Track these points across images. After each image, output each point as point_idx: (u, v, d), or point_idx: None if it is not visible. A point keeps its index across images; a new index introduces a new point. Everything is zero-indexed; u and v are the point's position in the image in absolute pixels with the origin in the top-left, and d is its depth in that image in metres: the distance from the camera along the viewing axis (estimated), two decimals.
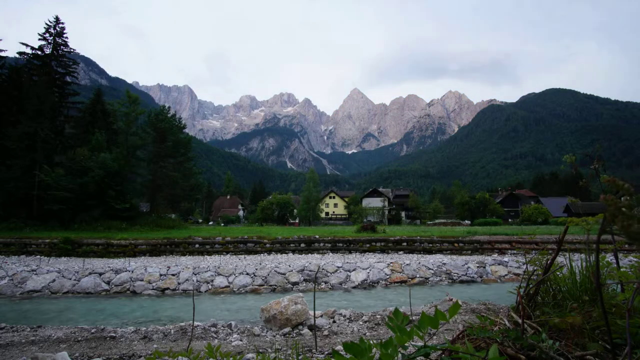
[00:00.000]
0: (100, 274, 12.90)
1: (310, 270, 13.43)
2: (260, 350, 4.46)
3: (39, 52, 36.46)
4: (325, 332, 5.30)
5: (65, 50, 37.78)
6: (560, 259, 2.30)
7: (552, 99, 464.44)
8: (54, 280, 12.45)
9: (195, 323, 5.93)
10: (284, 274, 13.18)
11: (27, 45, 36.40)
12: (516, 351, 1.47)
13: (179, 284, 12.41)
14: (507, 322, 1.91)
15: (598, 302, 1.69)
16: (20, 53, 36.50)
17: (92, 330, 5.86)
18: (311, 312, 5.95)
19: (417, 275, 13.67)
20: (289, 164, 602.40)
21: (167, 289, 12.11)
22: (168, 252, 20.23)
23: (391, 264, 14.44)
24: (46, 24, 36.66)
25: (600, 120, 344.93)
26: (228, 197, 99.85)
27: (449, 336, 4.15)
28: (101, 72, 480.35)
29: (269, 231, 28.61)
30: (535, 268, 2.31)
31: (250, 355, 3.99)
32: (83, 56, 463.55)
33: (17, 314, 9.36)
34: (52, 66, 36.85)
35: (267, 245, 20.71)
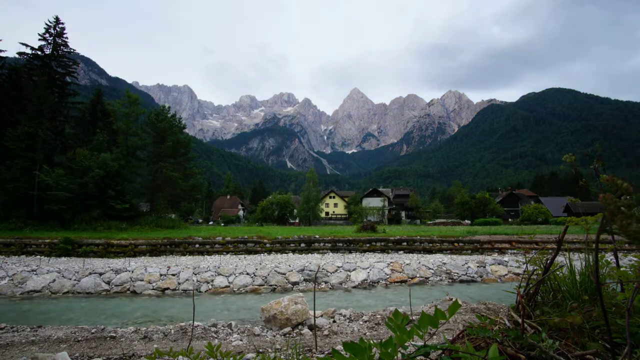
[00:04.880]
0: (101, 274, 12.90)
1: (310, 270, 13.43)
2: (261, 350, 4.46)
3: (39, 53, 36.44)
4: (326, 332, 5.30)
5: (65, 50, 37.76)
6: (560, 258, 2.30)
7: (552, 98, 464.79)
8: (54, 280, 12.45)
9: (196, 323, 5.94)
10: (284, 273, 13.19)
11: (26, 46, 36.40)
12: (516, 351, 1.47)
13: (179, 284, 12.41)
14: (507, 322, 1.91)
15: (598, 302, 1.69)
16: (20, 53, 36.48)
17: (93, 330, 5.86)
18: (311, 312, 5.95)
19: (417, 275, 13.67)
20: (289, 164, 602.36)
21: (167, 289, 12.11)
22: (168, 252, 20.22)
23: (391, 264, 14.44)
24: (46, 24, 36.67)
25: (600, 119, 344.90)
26: (228, 197, 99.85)
27: (449, 336, 4.15)
28: (101, 72, 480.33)
29: (269, 231, 28.59)
30: (535, 268, 2.31)
31: (250, 355, 3.99)
32: (83, 56, 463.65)
33: (17, 314, 9.36)
34: (52, 66, 36.83)
35: (267, 245, 20.71)
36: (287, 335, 5.30)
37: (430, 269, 14.29)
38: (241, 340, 5.08)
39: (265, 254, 19.90)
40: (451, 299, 6.74)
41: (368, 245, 20.88)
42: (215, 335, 5.38)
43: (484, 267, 14.59)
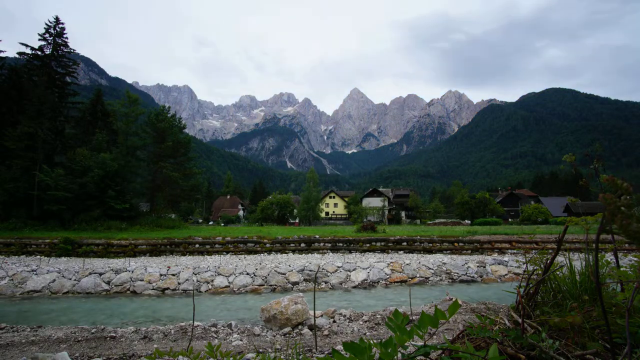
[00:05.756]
0: (101, 274, 12.90)
1: (310, 270, 13.43)
2: (261, 350, 4.46)
3: (39, 53, 36.44)
4: (326, 332, 5.30)
5: (65, 50, 37.77)
6: (560, 258, 2.30)
7: (552, 98, 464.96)
8: (54, 281, 12.45)
9: (196, 323, 5.94)
10: (284, 273, 13.19)
11: (27, 46, 36.40)
12: (516, 350, 1.47)
13: (179, 284, 12.41)
14: (507, 322, 1.91)
15: (598, 302, 1.69)
16: (20, 53, 36.48)
17: (93, 330, 5.86)
18: (311, 312, 5.95)
19: (417, 275, 13.67)
20: (289, 164, 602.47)
21: (167, 289, 12.11)
22: (168, 252, 20.22)
23: (391, 264, 14.44)
24: (46, 24, 36.66)
25: (600, 119, 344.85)
26: (228, 197, 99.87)
27: (449, 336, 4.15)
28: (101, 72, 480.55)
29: (269, 231, 28.60)
30: (535, 268, 2.31)
31: (250, 355, 3.99)
32: (83, 56, 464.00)
33: (17, 314, 9.36)
34: (52, 66, 36.83)
35: (267, 245, 20.71)
36: (287, 335, 5.30)
37: (430, 269, 14.28)
38: (241, 340, 5.08)
39: (265, 254, 19.90)
40: (451, 299, 6.74)
41: (368, 245, 20.88)
42: (215, 335, 5.38)
43: (484, 267, 14.59)
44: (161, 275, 12.87)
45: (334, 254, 19.63)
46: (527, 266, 2.38)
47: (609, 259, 2.17)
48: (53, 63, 36.91)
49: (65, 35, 37.40)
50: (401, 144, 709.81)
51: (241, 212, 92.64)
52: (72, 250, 19.71)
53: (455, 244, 20.73)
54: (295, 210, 70.11)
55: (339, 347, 4.28)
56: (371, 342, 1.14)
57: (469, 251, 20.22)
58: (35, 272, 13.16)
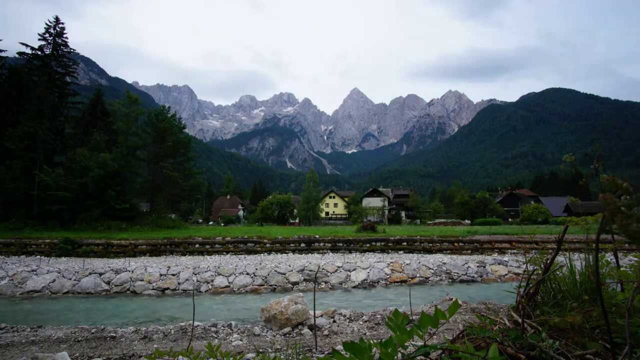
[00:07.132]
0: (101, 274, 12.90)
1: (310, 270, 13.43)
2: (261, 350, 4.46)
3: (39, 52, 36.46)
4: (326, 332, 5.30)
5: (65, 50, 37.79)
6: (560, 258, 2.30)
7: (552, 98, 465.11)
8: (54, 281, 12.45)
9: (196, 323, 5.93)
10: (284, 273, 13.19)
11: (27, 46, 36.42)
12: (516, 350, 1.47)
13: (179, 284, 12.41)
14: (507, 322, 1.91)
15: (598, 302, 1.69)
16: (20, 53, 36.49)
17: (93, 330, 5.86)
18: (311, 312, 5.95)
19: (417, 275, 13.67)
20: (289, 164, 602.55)
21: (167, 289, 12.11)
22: (168, 252, 20.22)
23: (391, 264, 14.44)
24: (46, 24, 36.68)
25: (600, 119, 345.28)
26: (228, 197, 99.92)
27: (449, 336, 4.15)
28: (101, 72, 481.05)
29: (269, 231, 28.60)
30: (535, 268, 2.31)
31: (250, 355, 3.99)
32: (83, 56, 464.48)
33: (17, 314, 9.36)
34: (52, 66, 36.84)
35: (267, 245, 20.71)
36: (287, 335, 5.31)
37: (430, 269, 14.28)
38: (241, 340, 5.08)
39: (265, 254, 19.90)
40: (451, 299, 6.74)
41: (368, 245, 20.88)
42: (215, 335, 5.38)
43: (484, 267, 14.59)
44: (161, 275, 12.87)
45: (334, 254, 19.62)
46: (527, 266, 2.38)
47: (609, 259, 2.17)
48: (53, 63, 36.92)
49: (65, 35, 37.42)
50: (401, 144, 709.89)
51: (241, 212, 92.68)
52: (72, 250, 19.71)
53: (455, 244, 20.74)
54: (295, 210, 70.17)
55: (339, 347, 4.28)
56: (371, 342, 1.14)
57: (469, 251, 20.22)
58: (35, 272, 13.16)
